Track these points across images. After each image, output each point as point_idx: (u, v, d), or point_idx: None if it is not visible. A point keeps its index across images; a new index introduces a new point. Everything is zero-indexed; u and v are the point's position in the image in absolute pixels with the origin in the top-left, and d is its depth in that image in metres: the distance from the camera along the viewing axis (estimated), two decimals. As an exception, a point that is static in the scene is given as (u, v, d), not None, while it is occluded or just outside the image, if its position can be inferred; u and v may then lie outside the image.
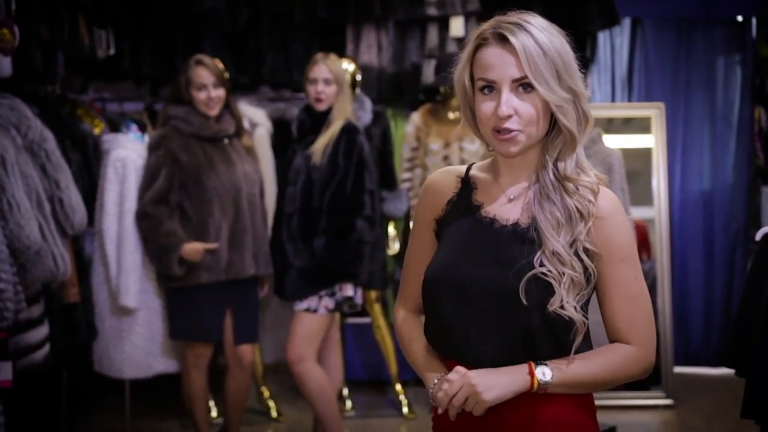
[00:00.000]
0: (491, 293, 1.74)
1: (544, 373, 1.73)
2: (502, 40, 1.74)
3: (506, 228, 1.79)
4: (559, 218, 1.75)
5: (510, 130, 1.74)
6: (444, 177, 1.92)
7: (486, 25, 1.78)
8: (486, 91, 1.76)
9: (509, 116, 1.74)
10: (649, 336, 1.79)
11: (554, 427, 1.77)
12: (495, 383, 1.72)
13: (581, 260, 1.74)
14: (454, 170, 1.92)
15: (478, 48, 1.78)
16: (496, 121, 1.75)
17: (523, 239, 1.76)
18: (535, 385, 1.73)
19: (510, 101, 1.74)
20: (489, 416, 1.76)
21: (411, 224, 2.07)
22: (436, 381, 1.80)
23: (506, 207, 1.82)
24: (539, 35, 1.73)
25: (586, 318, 1.75)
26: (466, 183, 1.88)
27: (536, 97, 1.74)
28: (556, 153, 1.79)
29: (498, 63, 1.74)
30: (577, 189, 1.77)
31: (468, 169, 1.91)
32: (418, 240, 1.94)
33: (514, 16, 1.77)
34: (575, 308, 1.71)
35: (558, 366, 1.74)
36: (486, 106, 1.76)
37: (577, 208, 1.75)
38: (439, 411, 1.79)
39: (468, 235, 1.82)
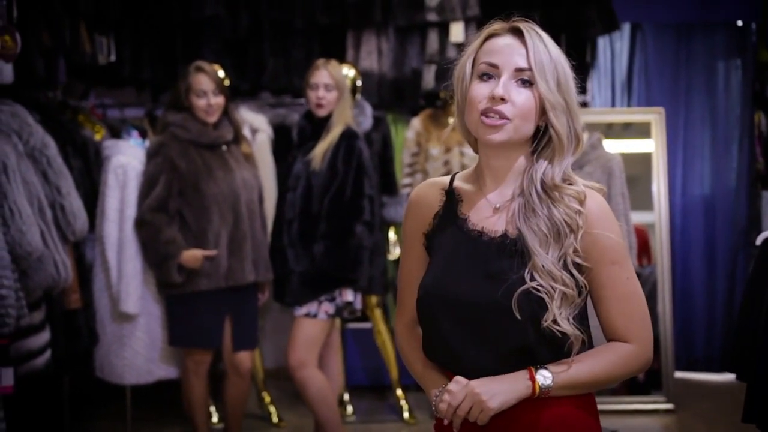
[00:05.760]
0: (484, 308, 1.74)
1: (545, 377, 1.73)
2: (515, 32, 1.77)
3: (494, 240, 1.79)
4: (546, 233, 1.75)
5: (499, 116, 1.74)
6: (428, 190, 1.91)
7: (500, 23, 1.80)
8: (484, 77, 1.77)
9: (503, 100, 1.73)
10: (646, 333, 1.80)
11: (558, 429, 1.77)
12: (498, 390, 1.72)
13: (571, 274, 1.74)
14: (438, 182, 1.92)
15: (486, 40, 1.80)
16: (487, 103, 1.74)
17: (513, 251, 1.76)
18: (537, 390, 1.73)
19: (508, 86, 1.74)
20: (492, 423, 1.76)
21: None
22: (437, 392, 1.80)
23: (493, 218, 1.82)
24: (548, 42, 1.77)
25: (580, 331, 1.74)
26: (451, 195, 1.88)
27: (533, 94, 1.75)
28: (544, 161, 1.79)
29: (506, 50, 1.76)
30: (563, 198, 1.76)
31: (452, 180, 1.90)
32: (410, 255, 1.94)
33: (530, 21, 1.80)
34: (569, 321, 1.72)
35: (558, 369, 1.74)
36: (480, 89, 1.76)
37: (565, 221, 1.75)
38: (445, 422, 1.78)
39: (457, 250, 1.82)
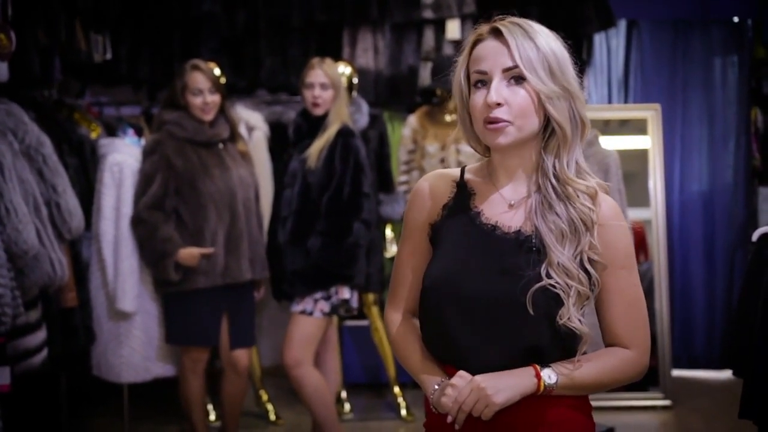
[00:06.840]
0: (498, 304, 1.73)
1: (549, 375, 1.73)
2: (497, 34, 1.76)
3: (509, 236, 1.78)
4: (563, 229, 1.74)
5: (499, 120, 1.73)
6: (437, 181, 1.89)
7: (483, 26, 1.80)
8: (479, 85, 1.77)
9: (498, 104, 1.73)
10: (646, 340, 1.82)
11: (559, 427, 1.78)
12: (504, 386, 1.72)
13: (587, 272, 1.74)
14: (448, 174, 1.90)
15: (474, 46, 1.79)
16: (485, 111, 1.74)
17: (528, 248, 1.75)
18: (542, 388, 1.73)
19: (500, 89, 1.74)
20: (493, 419, 1.75)
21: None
22: (436, 386, 1.79)
23: (507, 214, 1.80)
24: (533, 34, 1.75)
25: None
26: (462, 187, 1.86)
27: (528, 90, 1.74)
28: (553, 154, 1.78)
29: (491, 54, 1.75)
30: (578, 195, 1.76)
31: (462, 173, 1.88)
32: (411, 245, 1.90)
33: (511, 17, 1.79)
34: (580, 319, 1.73)
35: (562, 368, 1.75)
36: (478, 98, 1.76)
37: (581, 218, 1.74)
38: (448, 419, 1.76)
39: (469, 243, 1.79)
